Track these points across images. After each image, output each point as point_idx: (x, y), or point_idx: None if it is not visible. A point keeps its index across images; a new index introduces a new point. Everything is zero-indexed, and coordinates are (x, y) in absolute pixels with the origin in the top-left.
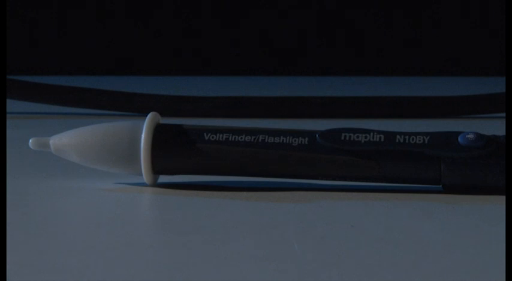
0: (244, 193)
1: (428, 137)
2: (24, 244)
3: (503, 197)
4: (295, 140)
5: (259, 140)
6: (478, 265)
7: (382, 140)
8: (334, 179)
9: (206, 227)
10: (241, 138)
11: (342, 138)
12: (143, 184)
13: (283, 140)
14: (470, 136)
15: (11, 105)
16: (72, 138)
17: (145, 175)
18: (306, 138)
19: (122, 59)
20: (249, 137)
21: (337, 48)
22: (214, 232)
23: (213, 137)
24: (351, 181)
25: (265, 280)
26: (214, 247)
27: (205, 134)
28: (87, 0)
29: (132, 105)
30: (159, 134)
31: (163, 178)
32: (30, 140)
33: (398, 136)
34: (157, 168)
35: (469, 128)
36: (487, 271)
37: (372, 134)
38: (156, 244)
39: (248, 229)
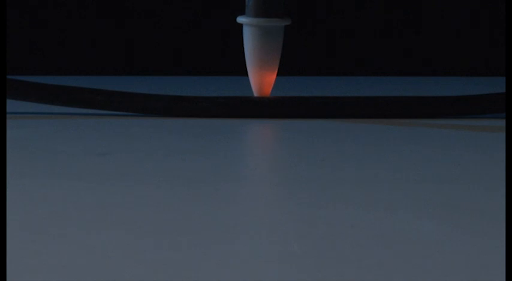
0: (245, 193)
1: None
2: (24, 244)
3: (503, 198)
4: None
5: None
6: (479, 266)
7: None
8: None
9: (207, 227)
10: None
11: None
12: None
13: None
14: None
15: (11, 105)
16: None
17: None
18: None
19: (122, 59)
20: None
21: (336, 49)
22: (215, 232)
23: None
24: None
25: (265, 280)
26: (215, 247)
27: None
28: (87, 0)
29: (132, 105)
30: None
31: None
32: None
33: None
34: None
35: (469, 128)
36: (487, 271)
37: None
38: (155, 245)
39: (248, 229)
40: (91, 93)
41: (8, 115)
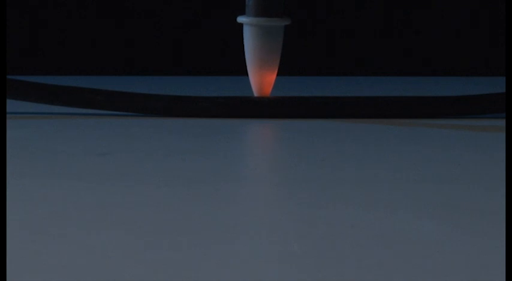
0: (245, 193)
1: None
2: (24, 244)
3: (503, 198)
4: None
5: None
6: (479, 266)
7: None
8: None
9: (207, 227)
10: None
11: None
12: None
13: None
14: None
15: (11, 105)
16: None
17: None
18: None
19: (122, 59)
20: None
21: (336, 49)
22: (215, 232)
23: None
24: None
25: (265, 280)
26: (215, 247)
27: None
28: (87, 0)
29: (132, 105)
30: None
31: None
32: None
33: None
34: None
35: (469, 128)
36: (487, 271)
37: None
38: (155, 245)
39: (248, 229)
40: (91, 93)
41: (8, 115)
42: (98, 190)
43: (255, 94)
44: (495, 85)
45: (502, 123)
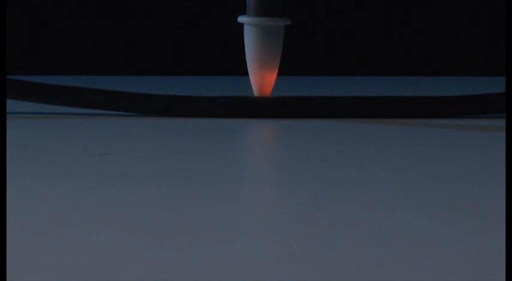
0: (245, 193)
1: None
2: (24, 244)
3: (503, 198)
4: None
5: None
6: (479, 266)
7: None
8: None
9: (207, 227)
10: None
11: None
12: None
13: None
14: None
15: (11, 105)
16: None
17: None
18: None
19: (122, 59)
20: None
21: (336, 49)
22: (215, 232)
23: None
24: None
25: (265, 280)
26: (215, 247)
27: None
28: (87, 0)
29: (132, 105)
30: None
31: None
32: None
33: None
34: None
35: (469, 128)
36: (487, 271)
37: None
38: (155, 245)
39: (248, 229)
40: (91, 93)
41: (8, 115)
42: (98, 190)
43: (255, 94)
44: (495, 85)
45: (502, 123)
